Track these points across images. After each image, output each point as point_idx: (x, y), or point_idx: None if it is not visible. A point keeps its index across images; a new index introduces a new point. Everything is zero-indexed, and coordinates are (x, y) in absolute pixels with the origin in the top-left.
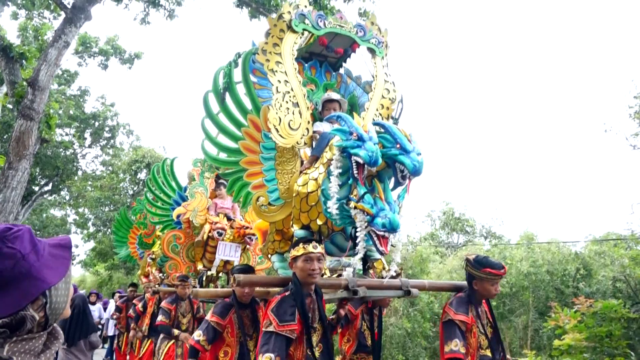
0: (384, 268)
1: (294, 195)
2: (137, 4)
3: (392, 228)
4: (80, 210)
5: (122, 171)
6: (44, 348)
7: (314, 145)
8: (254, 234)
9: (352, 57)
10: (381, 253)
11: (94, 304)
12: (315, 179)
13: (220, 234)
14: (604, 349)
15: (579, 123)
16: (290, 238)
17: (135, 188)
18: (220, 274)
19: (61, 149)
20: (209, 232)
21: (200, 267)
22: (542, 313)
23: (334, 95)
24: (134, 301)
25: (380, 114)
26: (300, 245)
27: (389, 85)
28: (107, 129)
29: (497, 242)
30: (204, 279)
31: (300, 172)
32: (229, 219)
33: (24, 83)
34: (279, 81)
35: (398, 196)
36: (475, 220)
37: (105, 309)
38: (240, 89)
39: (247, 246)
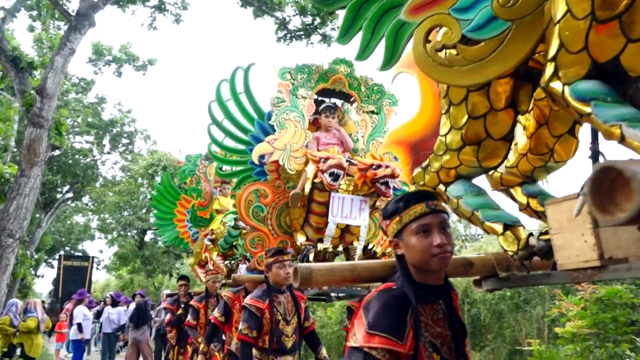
0: None
1: None
2: (143, 9)
3: None
4: (102, 215)
5: (139, 176)
6: None
7: None
8: (392, 176)
9: None
10: None
11: (114, 306)
12: None
13: (335, 178)
14: (609, 336)
15: None
16: (504, 137)
17: (153, 192)
18: (339, 249)
19: (80, 156)
20: (315, 176)
21: (302, 239)
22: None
23: None
24: (192, 302)
25: None
26: None
27: None
28: (125, 135)
29: None
30: (311, 258)
31: None
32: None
33: (32, 91)
34: None
35: None
36: None
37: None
38: None
39: (379, 201)
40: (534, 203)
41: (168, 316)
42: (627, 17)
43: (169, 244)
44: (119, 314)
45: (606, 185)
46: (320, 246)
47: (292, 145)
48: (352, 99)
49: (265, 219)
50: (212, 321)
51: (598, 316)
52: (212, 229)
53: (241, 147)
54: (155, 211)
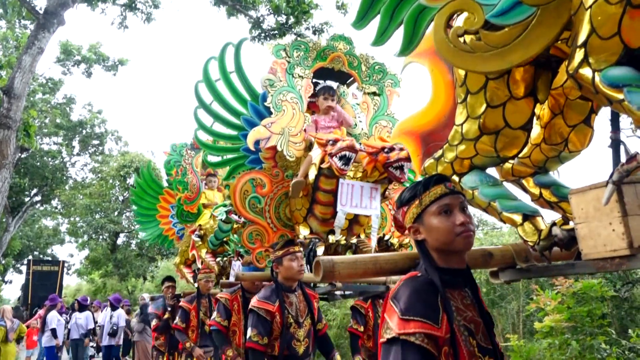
0: None
1: None
2: (114, 8)
3: None
4: (72, 219)
5: (111, 177)
6: None
7: None
8: (407, 159)
9: None
10: None
11: (81, 311)
12: None
13: (346, 162)
14: (585, 329)
15: None
16: (524, 126)
17: (125, 194)
18: (353, 241)
19: (49, 158)
20: (321, 161)
21: (305, 232)
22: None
23: None
24: (181, 303)
25: None
26: None
27: None
28: (95, 136)
29: (489, 229)
30: (319, 252)
31: None
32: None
33: None
34: None
35: None
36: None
37: (96, 317)
38: None
39: (389, 188)
40: (546, 194)
41: (154, 322)
42: None
43: (152, 242)
44: (87, 319)
45: None
46: (331, 238)
47: (290, 129)
48: (351, 79)
49: (263, 211)
50: (215, 327)
51: (574, 310)
52: (200, 225)
53: (232, 132)
54: (135, 207)
